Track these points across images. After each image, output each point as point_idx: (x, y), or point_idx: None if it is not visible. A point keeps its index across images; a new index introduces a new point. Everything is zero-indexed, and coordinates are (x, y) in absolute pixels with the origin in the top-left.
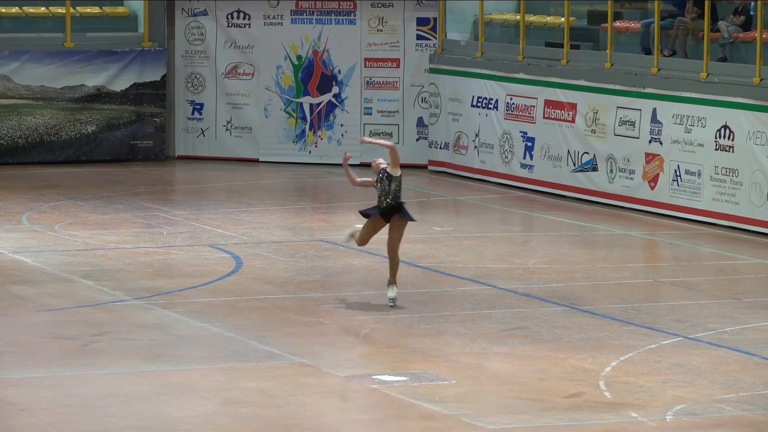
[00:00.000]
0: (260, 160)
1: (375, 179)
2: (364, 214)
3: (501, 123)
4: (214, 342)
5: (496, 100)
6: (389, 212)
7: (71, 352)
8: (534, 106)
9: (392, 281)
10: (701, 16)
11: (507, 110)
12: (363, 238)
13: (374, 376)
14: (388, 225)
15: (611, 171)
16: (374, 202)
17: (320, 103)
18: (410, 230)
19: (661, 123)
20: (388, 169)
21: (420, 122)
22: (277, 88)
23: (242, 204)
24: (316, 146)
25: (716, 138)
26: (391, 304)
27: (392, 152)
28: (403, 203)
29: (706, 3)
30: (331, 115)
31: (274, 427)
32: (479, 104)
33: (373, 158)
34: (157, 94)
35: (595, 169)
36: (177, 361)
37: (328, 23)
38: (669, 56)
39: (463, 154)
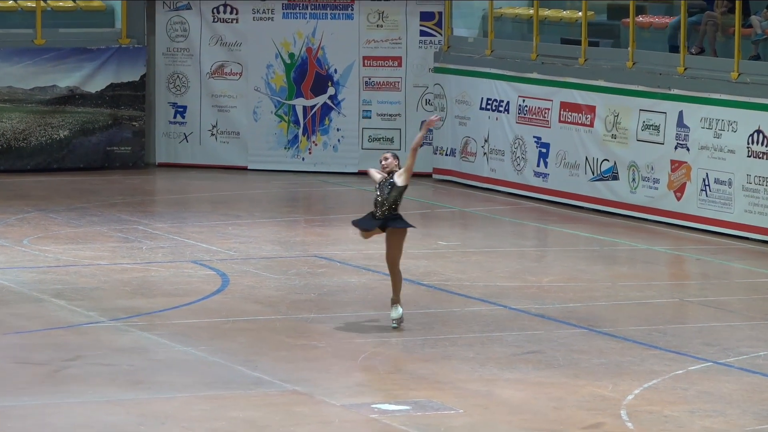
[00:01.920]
0: (249, 167)
1: (379, 180)
2: (361, 227)
3: (512, 127)
4: (198, 367)
5: (508, 103)
6: (384, 222)
7: (41, 378)
8: (549, 109)
9: (396, 300)
10: (732, 11)
11: (519, 113)
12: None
13: (374, 405)
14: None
15: (633, 180)
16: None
17: (314, 106)
18: (413, 245)
19: (688, 127)
20: (395, 176)
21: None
22: (267, 89)
23: (229, 216)
24: (309, 153)
25: (749, 144)
26: (394, 325)
27: (413, 153)
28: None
29: None
30: (327, 118)
31: None
32: (489, 107)
33: (384, 155)
34: (135, 95)
35: (615, 177)
36: (157, 389)
37: (323, 18)
38: (697, 54)
39: (471, 162)
